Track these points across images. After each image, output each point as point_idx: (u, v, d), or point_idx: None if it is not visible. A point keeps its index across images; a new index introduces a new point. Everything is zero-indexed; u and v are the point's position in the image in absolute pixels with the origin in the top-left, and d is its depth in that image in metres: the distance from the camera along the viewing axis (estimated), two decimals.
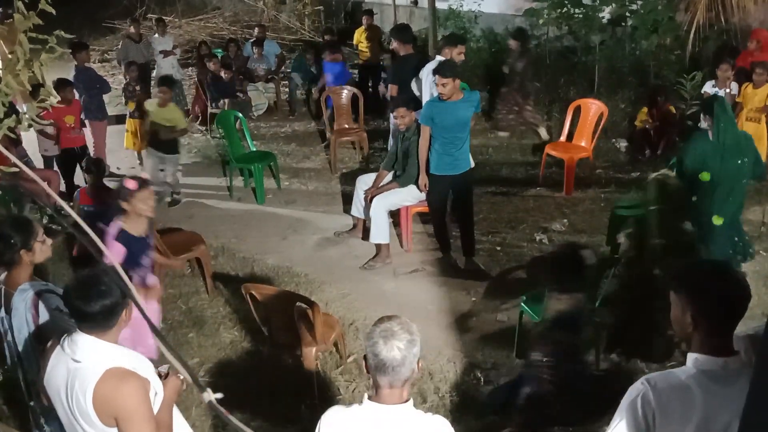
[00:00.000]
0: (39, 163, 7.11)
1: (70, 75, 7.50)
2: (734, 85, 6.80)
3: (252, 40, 10.70)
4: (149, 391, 2.30)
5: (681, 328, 1.97)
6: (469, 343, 4.67)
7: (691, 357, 1.93)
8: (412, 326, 2.11)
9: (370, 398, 2.10)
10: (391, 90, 6.69)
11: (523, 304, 4.41)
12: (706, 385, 1.87)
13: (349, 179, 7.14)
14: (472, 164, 5.59)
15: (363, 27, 10.24)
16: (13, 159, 1.93)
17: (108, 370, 2.23)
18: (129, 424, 2.23)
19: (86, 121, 7.49)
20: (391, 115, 6.00)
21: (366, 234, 5.88)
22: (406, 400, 2.09)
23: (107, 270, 2.27)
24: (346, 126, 8.19)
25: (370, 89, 9.66)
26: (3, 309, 3.01)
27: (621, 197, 6.36)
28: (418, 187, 5.57)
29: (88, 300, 2.25)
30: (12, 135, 4.46)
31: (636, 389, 1.94)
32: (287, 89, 10.34)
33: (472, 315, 5.01)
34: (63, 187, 6.96)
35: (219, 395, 1.94)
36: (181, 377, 2.47)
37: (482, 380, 4.30)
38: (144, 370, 2.32)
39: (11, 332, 2.97)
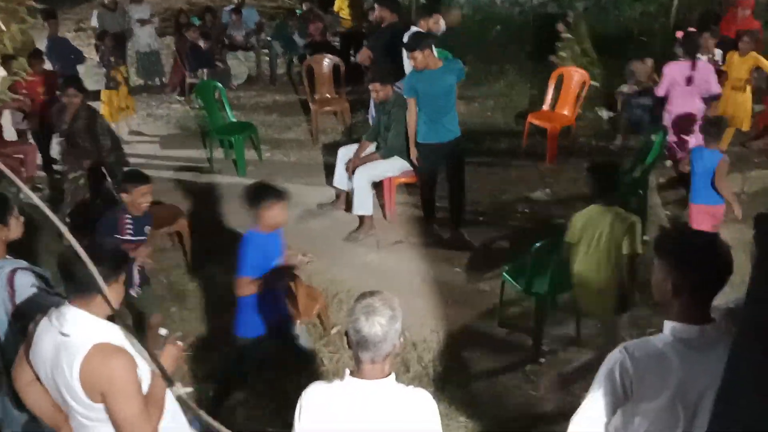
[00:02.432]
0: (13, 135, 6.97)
1: (43, 46, 7.30)
2: (718, 53, 6.78)
3: (231, 7, 10.48)
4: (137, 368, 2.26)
5: (661, 294, 1.99)
6: (452, 313, 4.69)
7: (668, 325, 1.95)
8: (394, 301, 2.10)
9: (351, 374, 2.09)
10: (361, 55, 6.65)
11: (505, 273, 4.43)
12: (682, 352, 1.89)
13: (331, 150, 7.06)
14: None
15: None
16: None
17: (96, 344, 2.19)
18: (116, 400, 2.20)
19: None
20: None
21: (349, 206, 5.84)
22: (388, 375, 2.09)
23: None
24: (328, 96, 8.08)
25: (352, 58, 9.53)
26: None
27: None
28: (409, 161, 5.52)
29: (78, 261, 2.18)
30: None
31: (614, 357, 1.96)
32: (267, 58, 10.17)
33: (455, 285, 5.02)
34: (39, 160, 6.84)
35: (189, 389, 1.92)
36: (180, 344, 2.43)
37: (465, 349, 4.33)
38: (132, 350, 2.28)
39: None
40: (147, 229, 4.08)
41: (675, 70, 5.92)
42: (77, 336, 2.22)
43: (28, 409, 2.56)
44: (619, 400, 1.95)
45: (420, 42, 5.08)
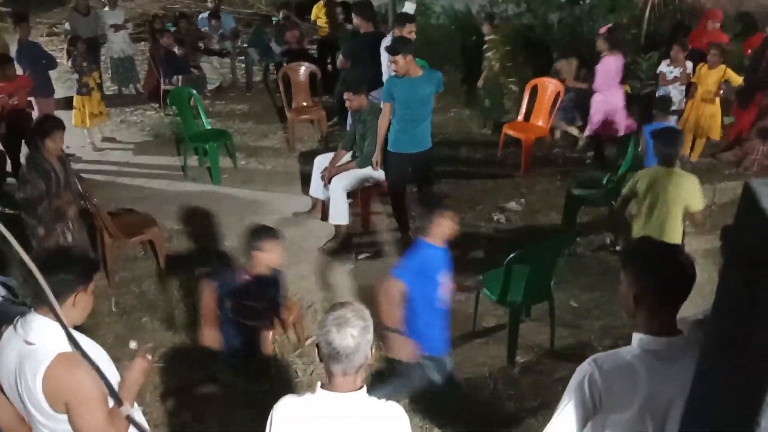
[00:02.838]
0: None
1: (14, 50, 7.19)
2: (689, 65, 6.89)
3: (207, 13, 10.43)
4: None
5: (625, 305, 2.01)
6: None
7: (636, 337, 1.97)
8: (366, 312, 2.09)
9: (323, 386, 2.07)
10: (340, 62, 6.92)
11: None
12: (650, 364, 1.91)
13: (307, 158, 7.04)
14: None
15: (321, 2, 10.07)
16: None
17: (61, 353, 2.15)
18: (80, 411, 2.15)
19: (32, 99, 7.19)
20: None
21: (325, 215, 5.81)
22: (360, 388, 2.07)
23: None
24: (305, 104, 8.05)
25: (329, 66, 9.52)
26: None
27: (577, 177, 6.43)
28: (383, 169, 5.51)
29: (48, 267, 2.15)
30: None
31: (583, 370, 1.97)
32: (243, 65, 10.12)
33: None
34: (9, 167, 6.70)
35: (139, 408, 1.90)
36: (149, 357, 2.40)
37: None
38: (99, 361, 2.23)
39: None
40: (275, 293, 3.54)
41: (611, 63, 6.68)
42: (42, 344, 2.17)
43: None
44: (589, 412, 1.95)
45: (403, 46, 5.07)
